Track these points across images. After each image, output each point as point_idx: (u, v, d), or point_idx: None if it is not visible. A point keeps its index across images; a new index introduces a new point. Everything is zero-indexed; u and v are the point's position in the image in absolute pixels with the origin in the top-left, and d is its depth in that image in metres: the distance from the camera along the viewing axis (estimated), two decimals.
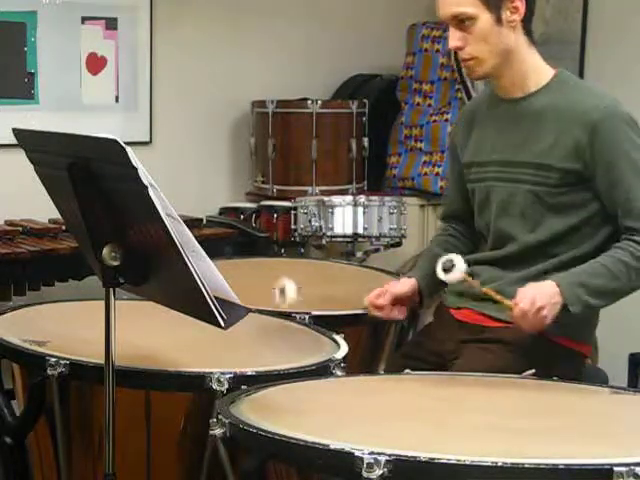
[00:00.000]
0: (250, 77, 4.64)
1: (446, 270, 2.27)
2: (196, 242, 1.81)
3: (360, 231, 4.00)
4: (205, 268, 1.79)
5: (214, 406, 1.93)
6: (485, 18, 2.36)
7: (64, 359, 2.10)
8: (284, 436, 1.65)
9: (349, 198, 4.04)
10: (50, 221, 3.75)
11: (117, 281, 1.89)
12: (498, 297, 2.31)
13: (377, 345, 2.77)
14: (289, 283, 2.50)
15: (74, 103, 4.18)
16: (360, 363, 2.64)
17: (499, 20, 2.37)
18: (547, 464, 1.52)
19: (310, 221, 3.99)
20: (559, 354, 2.41)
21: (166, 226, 1.74)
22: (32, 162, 2.09)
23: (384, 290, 2.54)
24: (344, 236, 4.02)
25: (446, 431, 1.79)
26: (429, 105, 4.66)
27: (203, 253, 1.81)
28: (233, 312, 1.82)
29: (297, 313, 2.57)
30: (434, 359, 2.51)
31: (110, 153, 1.76)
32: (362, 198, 4.03)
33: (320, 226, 3.99)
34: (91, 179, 1.86)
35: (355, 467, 1.54)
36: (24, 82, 4.05)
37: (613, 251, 2.34)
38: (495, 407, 1.96)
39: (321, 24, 4.81)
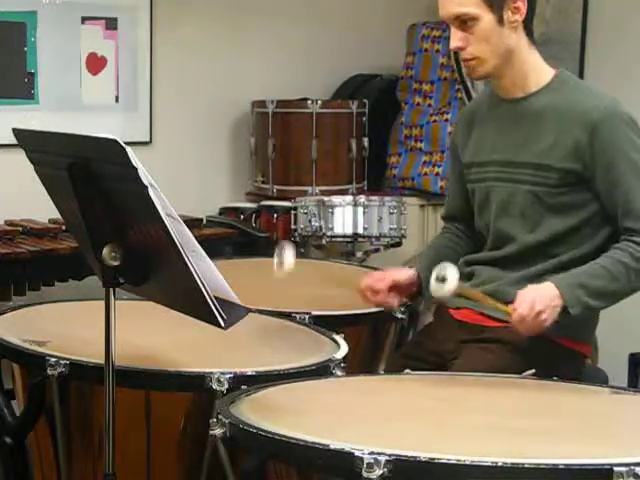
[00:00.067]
0: (250, 77, 4.64)
1: (439, 281, 2.24)
2: (196, 242, 1.81)
3: (360, 231, 4.00)
4: (205, 268, 1.79)
5: (214, 406, 1.93)
6: (487, 18, 2.36)
7: (64, 359, 2.10)
8: (284, 436, 1.65)
9: (349, 198, 4.05)
10: (50, 221, 3.75)
11: (117, 281, 1.89)
12: (498, 305, 2.31)
13: (377, 345, 2.77)
14: (289, 248, 2.49)
15: (74, 103, 4.18)
16: (360, 363, 2.64)
17: (501, 20, 2.37)
18: (547, 464, 1.52)
19: (310, 221, 3.99)
20: (559, 354, 2.41)
21: (166, 226, 1.74)
22: (32, 162, 2.09)
23: (383, 275, 2.55)
24: (344, 236, 4.02)
25: (446, 431, 1.79)
26: (429, 105, 4.66)
27: (203, 253, 1.81)
28: (233, 312, 1.82)
29: (297, 313, 2.57)
30: (434, 359, 2.51)
31: (110, 153, 1.76)
32: (362, 198, 4.03)
33: (320, 226, 3.99)
34: (91, 179, 1.86)
35: (355, 467, 1.54)
36: (24, 82, 4.05)
37: (612, 252, 2.34)
38: (495, 407, 1.96)
39: (321, 24, 4.81)
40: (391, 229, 4.03)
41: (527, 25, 2.42)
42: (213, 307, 1.77)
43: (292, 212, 4.07)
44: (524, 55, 2.43)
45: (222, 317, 1.78)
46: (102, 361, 1.91)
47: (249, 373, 2.07)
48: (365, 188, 4.54)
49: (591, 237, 2.42)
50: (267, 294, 2.83)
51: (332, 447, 1.59)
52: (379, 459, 1.53)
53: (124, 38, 4.28)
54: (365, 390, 2.10)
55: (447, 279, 2.19)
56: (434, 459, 1.53)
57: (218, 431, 1.79)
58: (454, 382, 2.19)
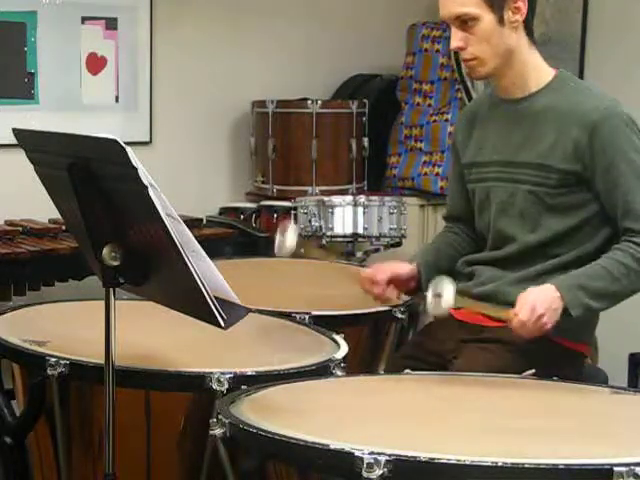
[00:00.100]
0: (250, 77, 4.64)
1: (435, 297, 2.23)
2: (196, 242, 1.81)
3: (360, 231, 4.00)
4: (205, 268, 1.79)
5: (214, 406, 1.93)
6: (488, 19, 2.36)
7: (64, 359, 2.10)
8: (284, 436, 1.65)
9: (349, 198, 4.04)
10: (50, 221, 3.75)
11: (117, 281, 1.89)
12: (498, 313, 2.30)
13: (377, 345, 2.77)
14: (291, 229, 2.50)
15: (74, 103, 4.18)
16: (360, 363, 2.64)
17: (501, 20, 2.37)
18: (547, 464, 1.52)
19: (310, 221, 3.99)
20: (559, 354, 2.41)
21: (166, 226, 1.74)
22: (32, 162, 2.09)
23: (383, 267, 2.56)
24: (344, 236, 4.02)
25: (446, 431, 1.79)
26: (429, 105, 4.66)
27: (203, 253, 1.81)
28: (233, 312, 1.82)
29: (297, 313, 2.57)
30: (434, 359, 2.51)
31: (110, 153, 1.76)
32: (362, 198, 4.03)
33: (320, 226, 3.99)
34: (91, 179, 1.86)
35: (355, 467, 1.54)
36: (24, 82, 4.05)
37: (613, 253, 2.34)
38: (495, 407, 1.96)
39: (321, 24, 4.81)
40: (391, 229, 4.03)
41: (527, 25, 2.42)
42: (213, 307, 1.77)
43: (292, 212, 4.07)
44: (524, 55, 2.43)
45: (222, 317, 1.78)
46: (102, 361, 1.91)
47: (249, 373, 2.07)
48: (365, 188, 4.54)
49: (591, 237, 2.42)
50: (267, 294, 2.83)
51: (332, 447, 1.59)
52: (379, 459, 1.53)
53: (124, 38, 4.28)
54: (365, 390, 2.10)
55: (443, 295, 2.19)
56: (434, 459, 1.53)
57: (218, 431, 1.79)
58: (454, 382, 2.19)
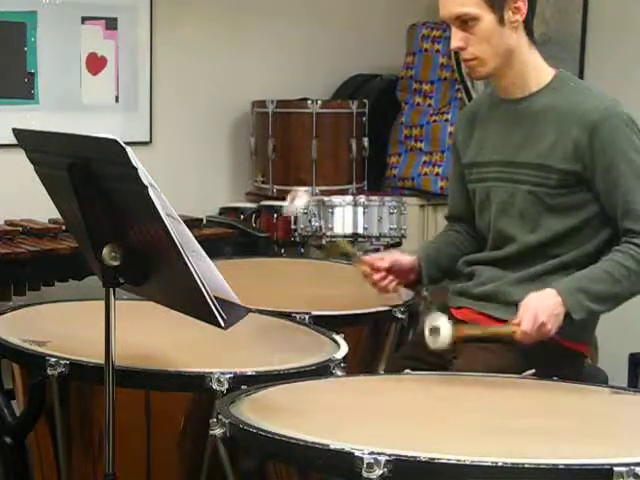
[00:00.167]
0: (250, 77, 4.64)
1: (433, 333, 2.23)
2: (196, 242, 1.81)
3: (360, 231, 4.01)
4: (205, 268, 1.79)
5: (214, 406, 1.93)
6: (488, 19, 2.36)
7: (64, 359, 2.10)
8: (284, 436, 1.65)
9: (349, 198, 4.05)
10: (50, 221, 3.75)
11: (117, 281, 1.89)
12: (500, 330, 2.29)
13: (377, 345, 2.77)
14: (301, 196, 2.51)
15: (74, 103, 4.18)
16: (360, 363, 2.64)
17: (502, 20, 2.37)
18: (547, 464, 1.52)
19: (310, 221, 3.99)
20: (559, 354, 2.41)
21: (166, 226, 1.74)
22: (32, 162, 2.09)
23: (384, 255, 2.59)
24: (344, 236, 4.01)
25: (446, 431, 1.79)
26: (429, 105, 4.66)
27: (203, 253, 1.81)
28: (233, 312, 1.82)
29: (297, 313, 2.57)
30: (434, 359, 2.50)
31: (110, 153, 1.76)
32: (362, 198, 4.03)
33: (320, 226, 3.99)
34: (91, 179, 1.86)
35: (355, 467, 1.54)
36: (24, 82, 4.05)
37: (613, 255, 2.34)
38: (495, 407, 1.96)
39: (321, 24, 4.81)
40: (391, 229, 4.03)
41: (527, 25, 2.42)
42: (213, 307, 1.77)
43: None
44: (524, 55, 2.43)
45: (222, 317, 1.78)
46: (102, 361, 1.91)
47: (249, 373, 2.07)
48: (365, 188, 4.54)
49: (591, 238, 2.42)
50: (267, 294, 2.83)
51: (332, 447, 1.59)
52: (379, 459, 1.53)
53: (124, 38, 4.28)
54: (365, 390, 2.10)
55: (440, 331, 2.19)
56: (434, 459, 1.53)
57: (218, 431, 1.79)
58: (454, 382, 2.19)
